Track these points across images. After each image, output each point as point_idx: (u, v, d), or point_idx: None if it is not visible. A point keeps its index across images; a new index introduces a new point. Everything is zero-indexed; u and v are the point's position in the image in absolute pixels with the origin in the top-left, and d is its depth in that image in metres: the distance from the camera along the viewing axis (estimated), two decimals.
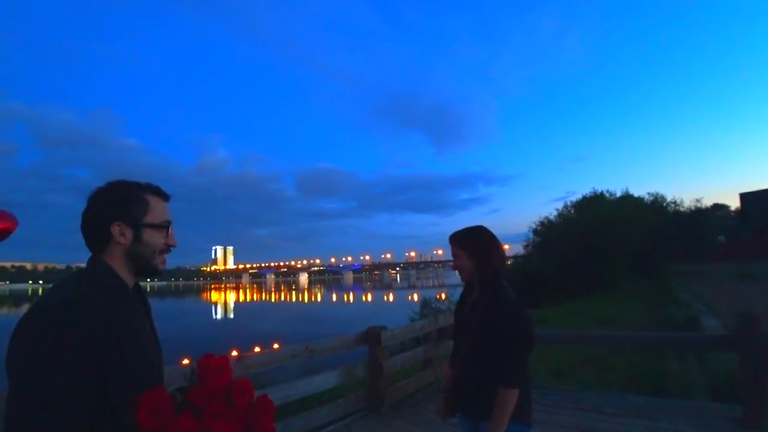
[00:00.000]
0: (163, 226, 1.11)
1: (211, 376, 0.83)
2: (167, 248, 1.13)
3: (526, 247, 23.67)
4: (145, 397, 0.77)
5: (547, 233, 21.61)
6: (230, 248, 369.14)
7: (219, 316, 35.05)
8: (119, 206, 1.04)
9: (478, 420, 1.63)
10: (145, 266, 1.08)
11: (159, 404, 0.77)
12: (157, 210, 1.10)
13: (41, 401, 0.80)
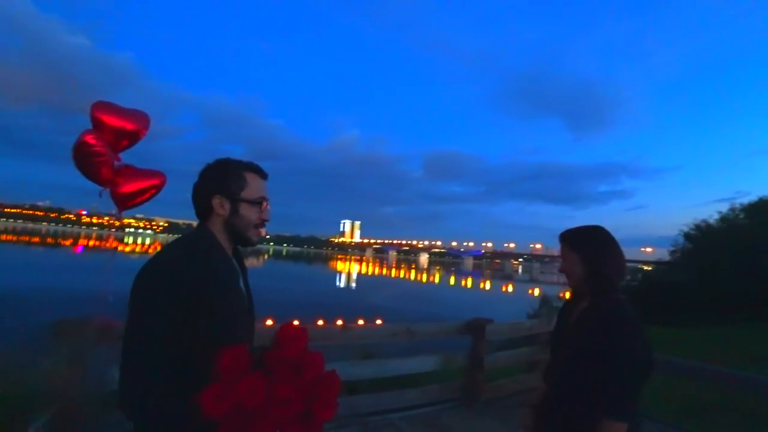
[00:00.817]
0: (258, 202, 1.20)
1: (286, 343, 0.90)
2: (262, 222, 1.23)
3: (672, 252, 19.87)
4: (228, 350, 0.85)
5: (702, 240, 17.80)
6: (357, 223, 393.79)
7: (342, 285, 38.00)
8: (220, 181, 1.18)
9: None
10: (240, 237, 1.21)
11: (238, 359, 0.85)
12: (254, 187, 1.21)
13: (144, 341, 0.99)
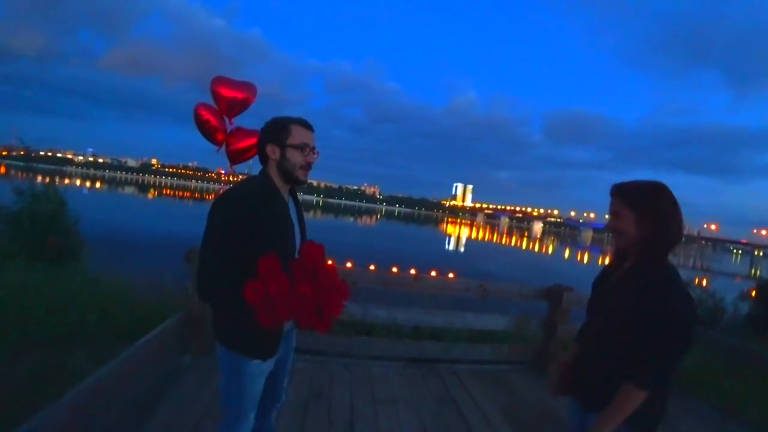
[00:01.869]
0: (301, 147, 1.47)
1: (306, 256, 1.21)
2: (307, 164, 1.50)
3: None
4: (265, 257, 1.17)
5: None
6: (470, 186, 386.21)
7: (450, 248, 38.08)
8: (271, 132, 1.49)
9: (588, 409, 1.40)
10: (289, 176, 1.49)
11: (271, 264, 1.17)
12: (298, 135, 1.48)
13: (213, 244, 1.35)
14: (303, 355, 3.28)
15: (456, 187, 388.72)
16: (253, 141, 3.57)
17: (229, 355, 1.44)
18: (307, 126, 1.51)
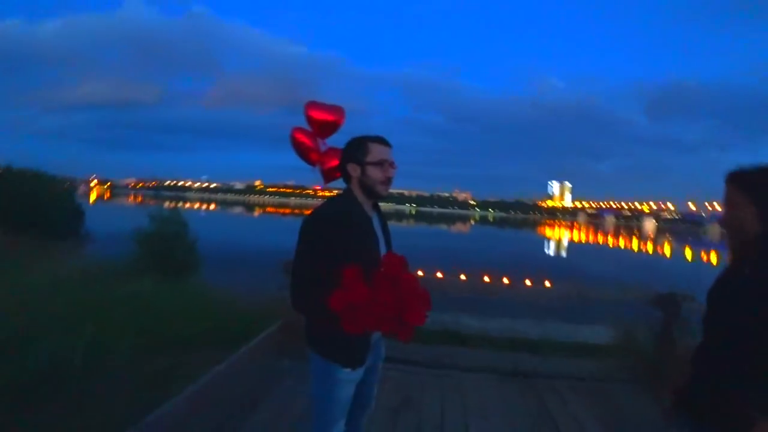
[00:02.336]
0: (380, 163, 1.53)
1: (387, 265, 1.26)
2: (387, 179, 1.57)
3: None
4: (348, 268, 1.23)
5: None
6: (567, 184, 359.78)
7: (551, 252, 35.79)
8: (351, 152, 1.58)
9: None
10: (372, 192, 1.57)
11: (354, 274, 1.22)
12: (376, 152, 1.55)
13: (303, 258, 1.46)
14: (395, 364, 3.29)
15: (552, 185, 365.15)
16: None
17: (321, 363, 1.51)
18: (383, 142, 1.58)
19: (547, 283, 3.79)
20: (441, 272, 3.94)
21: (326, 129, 3.76)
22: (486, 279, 3.94)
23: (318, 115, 3.70)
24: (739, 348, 1.12)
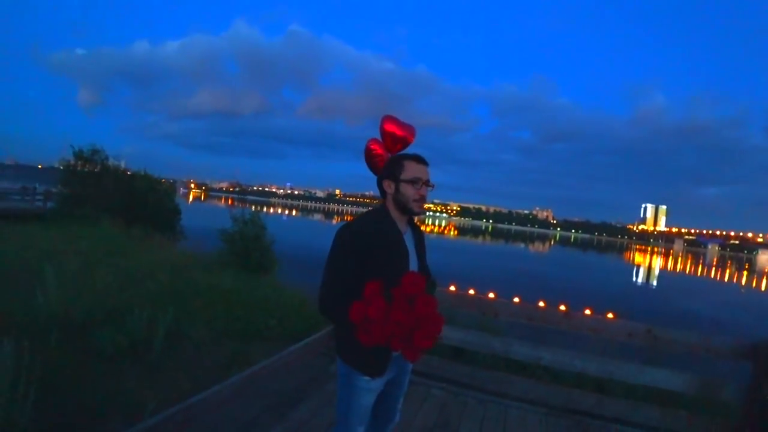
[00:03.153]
0: (413, 181, 1.58)
1: (406, 285, 1.26)
2: (420, 197, 1.60)
3: None
4: (371, 282, 1.28)
5: None
6: (663, 208, 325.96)
7: (638, 279, 32.63)
8: (387, 169, 1.66)
9: None
10: (404, 208, 1.61)
11: (375, 288, 1.27)
12: (411, 170, 1.60)
13: (332, 267, 1.52)
14: (439, 383, 3.28)
15: (645, 208, 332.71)
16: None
17: (344, 368, 1.59)
18: (420, 161, 1.62)
19: (610, 315, 3.49)
20: (493, 293, 3.83)
21: (397, 143, 3.90)
22: (541, 304, 3.73)
23: (391, 128, 3.86)
24: None
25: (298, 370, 3.10)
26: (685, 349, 3.07)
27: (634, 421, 3.00)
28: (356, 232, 1.54)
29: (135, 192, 12.69)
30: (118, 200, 12.58)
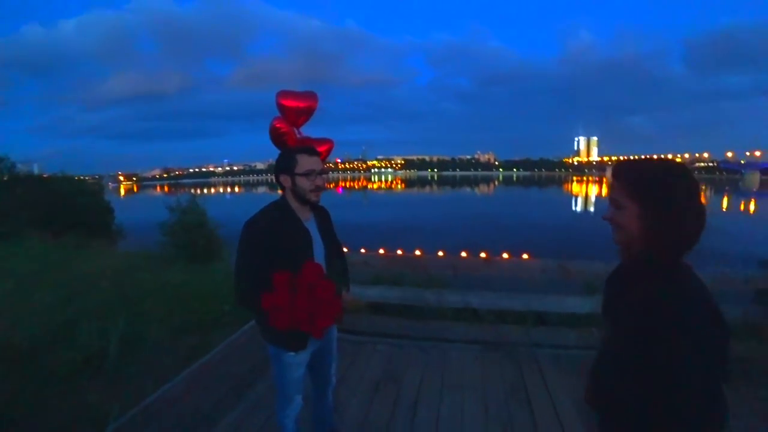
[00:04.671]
0: (307, 174, 1.69)
1: (307, 273, 1.48)
2: (316, 188, 1.72)
3: None
4: (278, 273, 1.46)
5: None
6: (594, 139, 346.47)
7: (578, 209, 35.48)
8: (282, 164, 1.74)
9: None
10: (303, 199, 1.74)
11: (281, 278, 1.46)
12: (303, 163, 1.70)
13: (240, 261, 1.65)
14: (384, 339, 3.62)
15: (578, 141, 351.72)
16: (324, 147, 3.90)
17: (272, 349, 1.80)
18: (312, 152, 1.74)
19: (525, 256, 3.93)
20: (420, 250, 4.16)
21: (301, 116, 3.82)
22: (463, 254, 4.11)
23: (291, 103, 3.77)
24: (620, 346, 1.08)
25: (252, 351, 3.28)
26: (592, 277, 3.58)
27: (556, 343, 3.49)
28: (258, 227, 1.65)
29: (58, 198, 11.74)
30: (40, 210, 11.58)
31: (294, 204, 1.74)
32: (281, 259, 1.58)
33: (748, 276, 3.28)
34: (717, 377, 0.94)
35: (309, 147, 1.76)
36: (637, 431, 1.05)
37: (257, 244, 1.63)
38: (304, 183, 1.69)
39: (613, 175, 1.10)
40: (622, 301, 1.10)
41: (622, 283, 1.15)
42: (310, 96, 3.84)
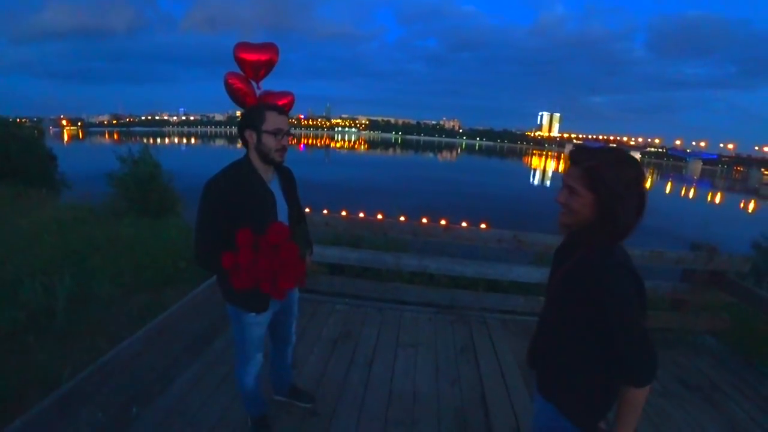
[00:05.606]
0: (275, 133, 1.64)
1: (272, 234, 1.45)
2: (282, 147, 1.68)
3: None
4: (241, 231, 1.43)
5: None
6: (557, 115, 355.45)
7: (536, 182, 36.87)
8: (248, 119, 1.67)
9: (538, 390, 1.37)
10: (266, 158, 1.68)
11: (245, 237, 1.43)
12: (272, 121, 1.64)
13: (201, 219, 1.62)
14: (342, 299, 3.72)
15: (541, 116, 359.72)
16: (285, 100, 3.78)
17: (232, 309, 1.80)
18: (281, 112, 1.68)
19: (483, 226, 4.08)
20: (381, 214, 4.23)
21: (260, 69, 3.66)
22: (424, 220, 4.22)
23: (250, 56, 3.60)
24: (555, 313, 1.25)
25: (209, 308, 3.27)
26: (543, 249, 3.80)
27: (504, 309, 3.73)
28: (219, 186, 1.60)
29: None
30: None
31: (257, 163, 1.68)
32: (243, 221, 1.55)
33: (680, 256, 3.57)
34: (644, 330, 1.10)
35: (279, 106, 1.70)
36: (571, 382, 1.23)
37: (218, 205, 1.59)
38: (270, 141, 1.64)
39: (572, 160, 1.16)
40: (562, 270, 1.22)
41: (564, 256, 1.26)
42: (270, 48, 3.67)
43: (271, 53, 3.69)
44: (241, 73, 3.63)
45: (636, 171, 1.11)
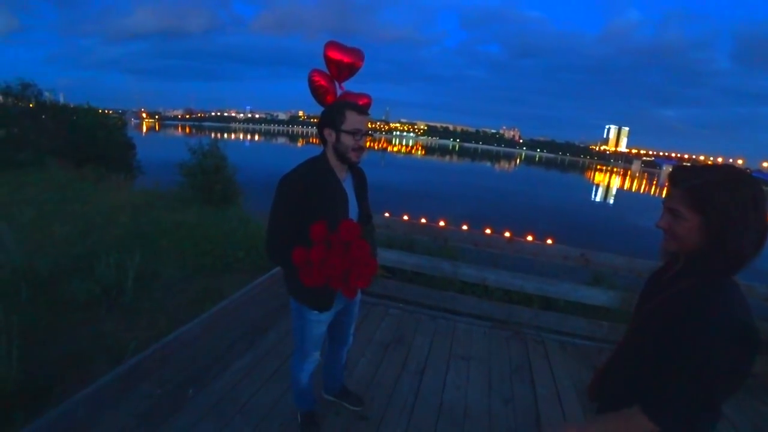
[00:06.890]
0: (353, 133, 1.62)
1: (343, 231, 1.39)
2: (359, 147, 1.65)
3: None
4: (315, 226, 1.38)
5: None
6: (625, 129, 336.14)
7: (597, 198, 35.20)
8: (329, 117, 1.65)
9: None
10: (343, 157, 1.66)
11: (320, 232, 1.38)
12: (352, 121, 1.62)
13: (275, 214, 1.62)
14: (396, 303, 3.65)
15: (608, 129, 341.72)
16: (363, 102, 3.81)
17: (295, 305, 1.79)
18: (361, 111, 1.64)
19: (549, 241, 3.85)
20: (444, 221, 4.12)
21: (343, 71, 3.74)
22: (487, 231, 4.06)
23: (336, 55, 3.69)
24: (640, 339, 1.10)
25: (266, 299, 3.33)
26: (611, 270, 3.51)
27: (564, 330, 3.49)
28: (295, 183, 1.60)
29: (81, 129, 11.76)
30: (63, 140, 11.59)
31: (333, 162, 1.67)
32: (315, 218, 1.50)
33: None
34: (733, 389, 0.94)
35: (360, 106, 1.66)
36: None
37: (292, 200, 1.58)
38: (348, 140, 1.62)
39: (672, 181, 1.03)
40: (661, 299, 1.07)
41: (661, 284, 1.12)
42: (357, 54, 3.75)
43: (355, 57, 3.78)
44: (327, 71, 3.74)
45: (753, 190, 0.94)
